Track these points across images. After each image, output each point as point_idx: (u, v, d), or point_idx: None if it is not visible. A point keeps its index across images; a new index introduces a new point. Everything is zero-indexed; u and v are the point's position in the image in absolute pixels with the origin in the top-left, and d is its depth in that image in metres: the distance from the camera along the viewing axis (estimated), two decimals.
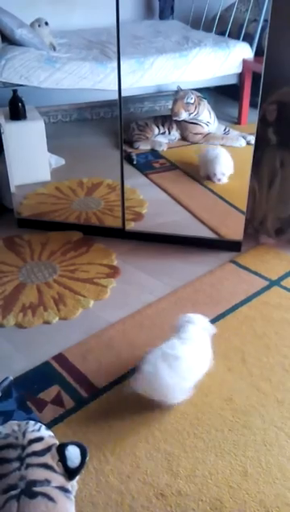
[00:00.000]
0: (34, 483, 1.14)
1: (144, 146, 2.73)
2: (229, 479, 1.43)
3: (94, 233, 2.57)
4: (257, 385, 1.72)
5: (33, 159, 2.63)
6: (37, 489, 1.13)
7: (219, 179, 2.50)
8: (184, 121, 2.63)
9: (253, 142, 2.26)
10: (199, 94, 2.54)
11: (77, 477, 1.23)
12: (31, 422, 1.28)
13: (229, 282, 2.23)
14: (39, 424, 1.28)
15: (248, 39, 2.32)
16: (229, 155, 2.50)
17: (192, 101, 2.54)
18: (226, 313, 2.05)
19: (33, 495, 1.12)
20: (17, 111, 2.51)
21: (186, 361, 1.58)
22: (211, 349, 1.69)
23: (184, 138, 2.70)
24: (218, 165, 2.50)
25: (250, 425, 1.58)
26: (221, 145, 2.60)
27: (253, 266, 2.33)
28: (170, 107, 2.62)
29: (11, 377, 1.75)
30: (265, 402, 1.66)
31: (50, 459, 1.20)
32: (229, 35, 2.41)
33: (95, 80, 2.44)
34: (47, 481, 1.15)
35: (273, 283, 2.22)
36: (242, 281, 2.24)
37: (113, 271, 2.31)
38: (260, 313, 2.05)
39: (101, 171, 2.78)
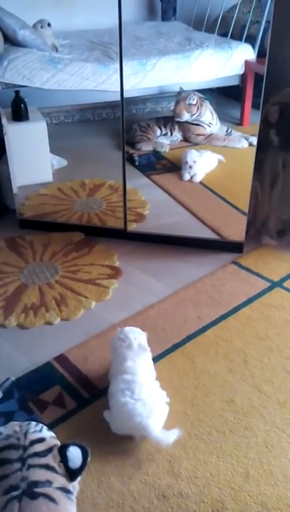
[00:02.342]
0: (35, 484, 1.14)
1: (146, 148, 2.73)
2: (231, 481, 1.43)
3: (96, 234, 2.57)
4: (259, 386, 1.72)
5: (35, 160, 2.63)
6: (38, 489, 1.13)
7: (190, 167, 2.53)
8: (187, 122, 2.63)
9: (255, 143, 2.26)
10: (201, 95, 2.54)
11: (79, 478, 1.23)
12: (33, 423, 1.28)
13: (231, 284, 2.23)
14: (41, 425, 1.28)
15: (250, 40, 2.32)
16: (210, 153, 2.58)
17: (195, 103, 2.54)
18: (228, 314, 2.05)
19: (34, 496, 1.11)
20: (19, 112, 2.51)
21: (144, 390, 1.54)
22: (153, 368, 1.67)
23: (186, 139, 2.70)
24: (189, 153, 2.56)
25: (252, 427, 1.58)
26: (223, 146, 2.60)
27: (255, 268, 2.32)
28: (172, 108, 2.62)
29: (13, 378, 1.75)
30: (267, 404, 1.66)
31: (51, 460, 1.20)
32: (231, 37, 2.41)
33: (97, 82, 2.44)
34: (49, 482, 1.15)
35: (275, 285, 2.22)
36: (244, 282, 2.24)
37: (115, 272, 2.31)
38: (262, 314, 2.05)
39: (103, 172, 2.78)
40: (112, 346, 1.68)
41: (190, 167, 2.54)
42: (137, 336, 1.67)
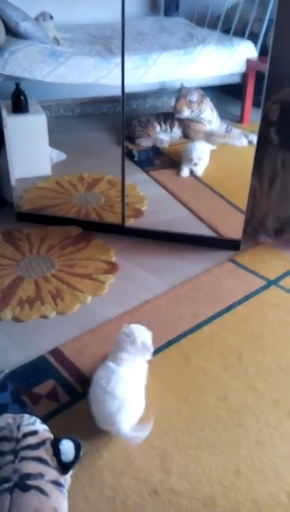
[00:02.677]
0: (27, 476, 1.14)
1: (146, 143, 2.73)
2: (222, 477, 1.43)
3: (94, 228, 2.56)
4: (253, 384, 1.73)
5: (34, 153, 2.63)
6: (30, 482, 1.13)
7: (196, 164, 2.52)
8: (187, 118, 2.62)
9: (255, 141, 2.25)
10: (202, 92, 2.53)
11: (71, 472, 1.24)
12: (26, 415, 1.28)
13: (227, 281, 2.23)
14: (34, 418, 1.29)
15: (253, 38, 2.31)
16: (208, 147, 2.59)
17: (195, 99, 2.54)
18: (224, 312, 2.05)
19: (26, 488, 1.12)
20: (19, 104, 2.51)
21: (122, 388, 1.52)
22: (145, 375, 1.64)
23: (185, 135, 2.70)
24: (195, 150, 2.56)
25: (245, 424, 1.59)
26: (223, 143, 2.60)
27: (251, 266, 2.33)
28: (172, 104, 2.61)
29: (7, 371, 1.75)
30: (260, 402, 1.66)
31: (44, 453, 1.20)
32: (233, 34, 2.40)
33: (98, 76, 2.43)
34: (41, 475, 1.15)
35: (271, 283, 2.22)
36: (241, 280, 2.24)
37: (112, 267, 2.31)
38: (257, 313, 2.05)
39: (101, 167, 2.77)
40: (115, 340, 1.66)
41: (195, 164, 2.54)
42: (142, 334, 1.65)
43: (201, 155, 2.54)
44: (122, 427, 1.44)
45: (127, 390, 1.51)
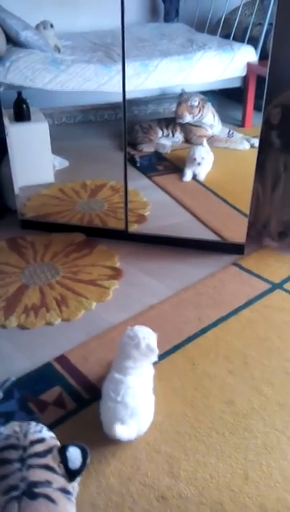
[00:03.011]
0: (35, 484, 1.14)
1: (148, 149, 2.73)
2: (230, 482, 1.43)
3: (97, 234, 2.57)
4: (259, 388, 1.72)
5: (37, 161, 2.64)
6: (38, 490, 1.13)
7: (199, 163, 2.53)
8: (188, 123, 2.63)
9: (257, 145, 2.25)
10: (203, 97, 2.54)
11: (78, 479, 1.24)
12: (33, 423, 1.28)
13: (231, 285, 2.23)
14: (41, 425, 1.29)
15: (253, 42, 2.32)
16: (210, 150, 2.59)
17: (196, 104, 2.54)
18: (229, 316, 2.05)
19: (34, 496, 1.12)
20: (21, 113, 2.52)
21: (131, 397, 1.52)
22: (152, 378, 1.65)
23: (187, 140, 2.70)
24: (197, 150, 2.55)
25: (252, 428, 1.58)
26: (225, 147, 2.60)
27: (256, 269, 2.32)
28: (174, 110, 2.62)
29: (13, 378, 1.75)
30: (267, 406, 1.66)
31: (51, 460, 1.20)
32: (233, 38, 2.41)
33: (99, 83, 2.44)
34: (48, 483, 1.15)
35: (276, 286, 2.22)
36: (245, 284, 2.24)
37: (116, 273, 2.31)
38: (263, 316, 2.05)
39: (104, 173, 2.78)
40: (119, 343, 1.66)
41: (199, 163, 2.54)
42: (146, 336, 1.63)
43: (204, 155, 2.55)
44: (133, 435, 1.47)
45: (137, 399, 1.52)
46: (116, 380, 1.55)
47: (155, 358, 1.65)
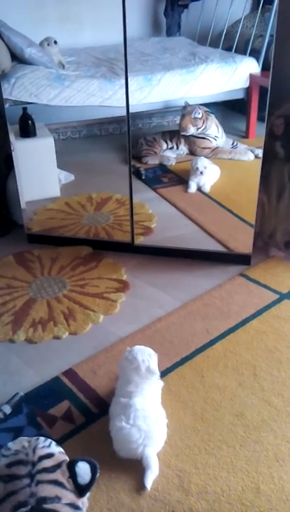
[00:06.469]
0: (44, 500, 1.13)
1: (152, 161, 2.74)
2: (242, 496, 1.41)
3: (103, 247, 2.57)
4: (269, 399, 1.71)
5: (43, 176, 2.66)
6: (47, 506, 1.12)
7: (201, 172, 2.53)
8: (192, 135, 2.64)
9: (261, 155, 2.26)
10: (206, 109, 2.55)
11: (88, 494, 1.22)
12: (42, 438, 1.28)
13: (239, 296, 2.22)
14: (50, 440, 1.28)
15: (255, 54, 2.34)
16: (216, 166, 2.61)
17: (200, 116, 2.55)
18: (237, 327, 2.04)
19: None
20: (27, 128, 2.54)
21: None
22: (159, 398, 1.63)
23: (192, 152, 2.71)
24: (199, 160, 2.57)
25: (262, 440, 1.57)
26: (230, 159, 2.61)
27: (263, 280, 2.32)
28: (178, 122, 2.63)
29: (21, 393, 1.75)
30: (277, 417, 1.64)
31: (60, 475, 1.19)
32: (235, 51, 2.42)
33: (103, 97, 2.46)
34: (58, 498, 1.14)
35: (284, 297, 2.21)
36: (252, 294, 2.23)
37: (123, 286, 2.31)
38: (271, 327, 2.04)
39: (110, 186, 2.79)
40: (120, 366, 1.64)
41: (201, 172, 2.55)
42: (146, 359, 1.58)
43: (206, 164, 2.56)
44: (152, 457, 1.48)
45: (148, 421, 1.51)
46: (122, 404, 1.54)
47: (156, 378, 1.62)
